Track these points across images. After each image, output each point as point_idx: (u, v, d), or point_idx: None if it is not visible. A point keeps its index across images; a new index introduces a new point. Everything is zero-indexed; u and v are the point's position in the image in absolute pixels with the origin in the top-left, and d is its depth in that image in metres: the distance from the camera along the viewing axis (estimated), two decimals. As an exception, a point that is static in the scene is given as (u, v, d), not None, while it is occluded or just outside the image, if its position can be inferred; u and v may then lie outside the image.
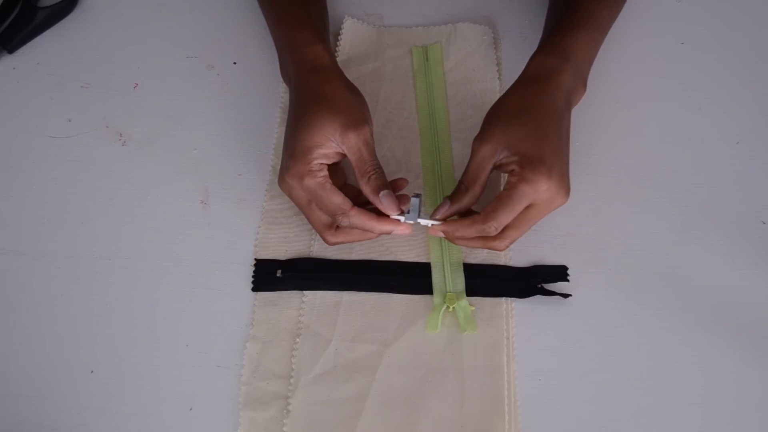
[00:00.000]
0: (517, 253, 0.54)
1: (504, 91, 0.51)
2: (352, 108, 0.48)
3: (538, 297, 0.52)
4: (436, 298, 0.52)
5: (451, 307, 0.51)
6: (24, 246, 0.56)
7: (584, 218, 0.55)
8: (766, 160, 0.57)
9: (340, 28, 0.63)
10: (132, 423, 0.50)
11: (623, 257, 0.54)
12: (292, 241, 0.55)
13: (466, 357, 0.50)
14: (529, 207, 0.47)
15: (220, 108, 0.61)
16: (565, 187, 0.47)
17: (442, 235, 0.49)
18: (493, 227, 0.46)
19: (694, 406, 0.49)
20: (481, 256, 0.54)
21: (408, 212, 0.48)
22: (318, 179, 0.47)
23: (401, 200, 0.48)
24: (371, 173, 0.47)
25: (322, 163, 0.48)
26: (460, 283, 0.52)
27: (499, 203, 0.46)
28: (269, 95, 0.61)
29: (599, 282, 0.53)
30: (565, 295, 0.52)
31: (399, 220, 0.48)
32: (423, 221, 0.48)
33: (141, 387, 0.51)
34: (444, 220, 0.49)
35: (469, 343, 0.51)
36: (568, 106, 0.50)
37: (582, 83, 0.52)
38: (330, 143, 0.47)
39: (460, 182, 0.49)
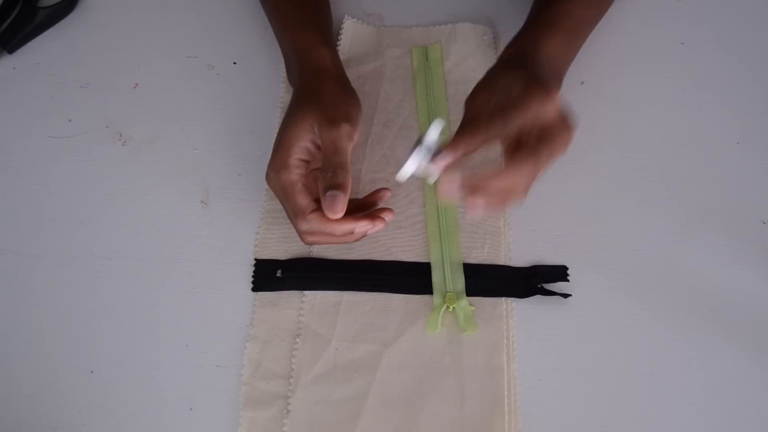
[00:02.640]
0: (517, 253, 0.54)
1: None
2: (338, 105, 0.48)
3: (538, 297, 0.52)
4: (436, 298, 0.52)
5: (451, 307, 0.51)
6: (24, 246, 0.56)
7: (584, 218, 0.55)
8: (766, 160, 0.57)
9: (340, 28, 0.63)
10: (132, 423, 0.50)
11: (623, 257, 0.53)
12: (292, 241, 0.55)
13: (466, 357, 0.50)
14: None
15: (220, 108, 0.61)
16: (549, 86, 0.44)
17: (453, 191, 0.44)
18: (505, 132, 0.42)
19: (693, 406, 0.49)
20: (481, 256, 0.54)
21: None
22: (291, 176, 0.46)
23: (382, 195, 0.49)
24: (329, 171, 0.45)
25: (301, 159, 0.47)
26: (460, 283, 0.52)
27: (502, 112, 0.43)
28: (269, 95, 0.61)
29: (599, 282, 0.53)
30: (565, 295, 0.52)
31: (357, 218, 0.46)
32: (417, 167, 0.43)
33: (141, 387, 0.51)
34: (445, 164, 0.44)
35: (469, 343, 0.51)
36: None
37: (554, 79, 0.51)
38: (310, 135, 0.47)
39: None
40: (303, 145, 0.47)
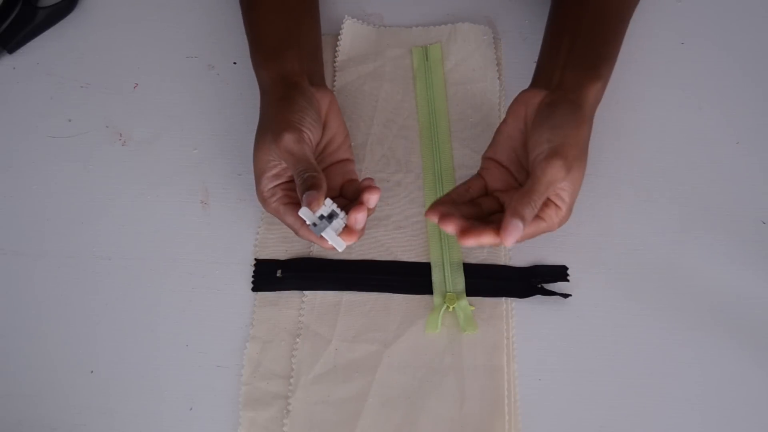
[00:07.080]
0: (517, 253, 0.54)
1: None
2: (283, 118, 0.49)
3: (538, 297, 0.52)
4: (436, 298, 0.52)
5: (451, 307, 0.51)
6: (24, 246, 0.56)
7: (584, 218, 0.55)
8: (766, 160, 0.57)
9: (340, 28, 0.63)
10: (132, 423, 0.50)
11: (623, 257, 0.54)
12: (292, 241, 0.55)
13: (466, 357, 0.50)
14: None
15: (220, 108, 0.61)
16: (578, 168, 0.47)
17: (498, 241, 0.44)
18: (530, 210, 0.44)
19: (693, 406, 0.49)
20: (481, 256, 0.54)
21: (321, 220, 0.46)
22: (272, 206, 0.50)
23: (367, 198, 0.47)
24: (298, 179, 0.46)
25: (274, 186, 0.50)
26: (460, 283, 0.52)
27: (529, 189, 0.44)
28: (269, 95, 0.60)
29: (599, 282, 0.53)
30: (565, 295, 0.52)
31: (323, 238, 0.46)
32: (327, 234, 0.46)
33: (141, 387, 0.51)
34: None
35: (469, 344, 0.51)
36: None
37: (587, 126, 0.51)
38: (272, 162, 0.49)
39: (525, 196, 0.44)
40: (271, 174, 0.50)
